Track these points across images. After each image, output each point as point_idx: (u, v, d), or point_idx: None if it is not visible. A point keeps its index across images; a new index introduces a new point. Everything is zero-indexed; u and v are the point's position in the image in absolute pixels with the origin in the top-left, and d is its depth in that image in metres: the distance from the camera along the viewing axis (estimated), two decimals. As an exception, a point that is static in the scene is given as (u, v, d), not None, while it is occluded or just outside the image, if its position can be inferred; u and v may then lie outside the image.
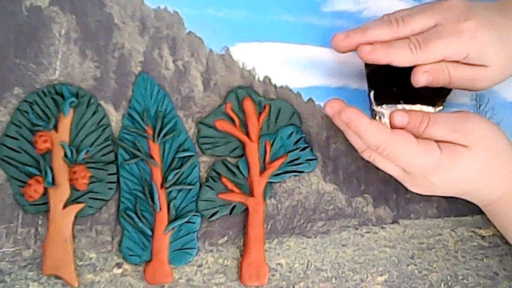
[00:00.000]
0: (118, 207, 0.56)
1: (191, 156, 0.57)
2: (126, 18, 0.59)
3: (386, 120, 0.56)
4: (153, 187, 0.56)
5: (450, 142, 0.50)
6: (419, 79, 0.52)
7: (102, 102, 0.58)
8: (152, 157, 0.56)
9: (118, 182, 0.56)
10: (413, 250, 0.58)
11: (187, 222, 0.56)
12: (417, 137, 0.50)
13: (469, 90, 0.55)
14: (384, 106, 0.56)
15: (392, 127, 0.51)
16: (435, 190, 0.53)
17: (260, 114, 0.58)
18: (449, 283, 0.58)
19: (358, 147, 0.54)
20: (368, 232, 0.58)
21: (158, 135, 0.57)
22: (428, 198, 0.58)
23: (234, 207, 0.57)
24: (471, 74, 0.53)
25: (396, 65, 0.52)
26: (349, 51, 0.54)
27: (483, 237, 0.59)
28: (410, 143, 0.50)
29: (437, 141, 0.51)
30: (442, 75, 0.53)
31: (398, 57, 0.52)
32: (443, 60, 0.52)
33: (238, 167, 0.57)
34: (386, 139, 0.49)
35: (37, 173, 0.55)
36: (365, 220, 0.58)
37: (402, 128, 0.51)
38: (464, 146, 0.50)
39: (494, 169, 0.52)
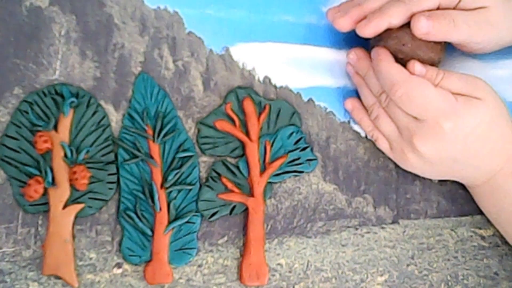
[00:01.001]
0: (118, 207, 0.56)
1: (191, 156, 0.57)
2: (126, 18, 0.59)
3: None
4: (153, 187, 0.56)
5: (464, 95, 0.51)
6: (420, 25, 0.51)
7: (102, 102, 0.58)
8: (152, 157, 0.56)
9: (118, 182, 0.56)
10: (413, 250, 0.58)
11: (187, 222, 0.56)
12: None
13: (478, 50, 0.55)
14: None
15: (413, 28, 0.51)
16: (443, 146, 0.51)
17: (260, 114, 0.58)
18: (449, 283, 0.58)
19: (368, 100, 0.56)
20: (368, 232, 0.58)
21: (158, 135, 0.57)
22: (428, 198, 0.58)
23: (234, 207, 0.57)
24: (473, 17, 0.52)
25: (395, 25, 0.52)
26: (352, 29, 0.55)
27: (483, 237, 0.59)
28: (427, 86, 0.51)
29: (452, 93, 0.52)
30: (444, 20, 0.51)
31: (394, 15, 0.52)
32: (438, 8, 0.52)
33: (238, 167, 0.57)
34: (405, 78, 0.51)
35: (37, 173, 0.55)
36: (365, 220, 0.58)
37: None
38: (477, 98, 0.51)
39: (501, 128, 0.52)
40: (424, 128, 0.51)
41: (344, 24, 0.54)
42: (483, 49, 0.55)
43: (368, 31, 0.52)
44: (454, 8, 0.52)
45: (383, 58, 0.53)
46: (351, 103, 0.58)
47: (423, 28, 0.51)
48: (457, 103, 0.51)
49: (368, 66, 0.55)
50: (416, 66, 0.52)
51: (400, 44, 0.53)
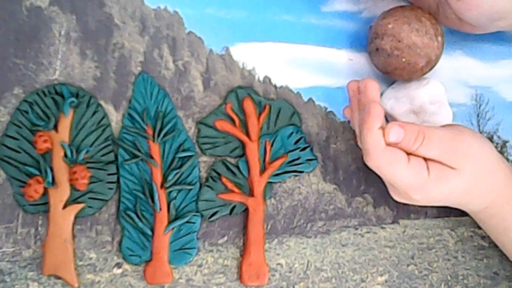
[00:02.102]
0: (118, 207, 0.56)
1: (191, 156, 0.57)
2: (126, 18, 0.59)
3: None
4: (153, 187, 0.56)
5: (440, 163, 0.50)
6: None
7: (102, 102, 0.58)
8: (152, 157, 0.56)
9: (118, 182, 0.56)
10: (413, 250, 0.58)
11: (187, 222, 0.56)
12: (409, 153, 0.50)
13: (473, 23, 0.53)
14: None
15: (386, 142, 0.49)
16: (417, 204, 0.53)
17: (260, 114, 0.58)
18: (449, 283, 0.58)
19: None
20: (368, 232, 0.58)
21: (158, 135, 0.57)
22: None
23: (234, 207, 0.57)
24: None
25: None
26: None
27: (483, 237, 0.59)
28: (399, 163, 0.49)
29: (427, 159, 0.50)
30: None
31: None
32: None
33: (238, 167, 0.57)
34: (378, 152, 0.49)
35: (37, 173, 0.55)
36: (365, 220, 0.58)
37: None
38: (453, 168, 0.50)
39: (480, 187, 0.52)
40: (397, 191, 0.52)
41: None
42: (479, 9, 0.52)
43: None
44: None
45: (367, 122, 0.49)
46: (351, 88, 0.56)
47: None
48: (428, 179, 0.49)
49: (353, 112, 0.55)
50: (391, 135, 0.49)
51: (396, 40, 0.53)
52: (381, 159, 0.49)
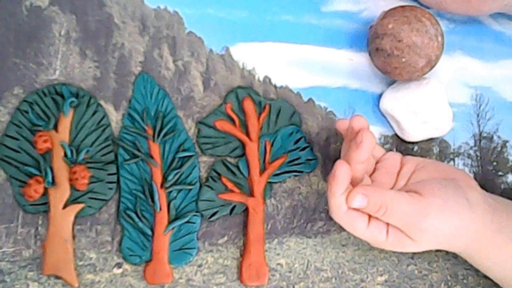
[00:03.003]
0: (118, 207, 0.56)
1: (191, 156, 0.57)
2: (126, 18, 0.59)
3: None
4: (153, 187, 0.56)
5: (400, 230, 0.50)
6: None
7: (102, 102, 0.58)
8: (152, 157, 0.56)
9: (118, 182, 0.56)
10: (413, 250, 0.58)
11: (187, 222, 0.56)
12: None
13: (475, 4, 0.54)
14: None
15: (346, 202, 0.49)
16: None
17: (260, 114, 0.58)
18: (449, 283, 0.58)
19: None
20: (368, 232, 0.58)
21: (158, 135, 0.57)
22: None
23: (234, 207, 0.57)
24: None
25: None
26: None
27: (483, 237, 0.58)
28: (358, 227, 0.50)
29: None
30: None
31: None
32: None
33: (238, 167, 0.57)
34: (339, 216, 0.50)
35: (37, 173, 0.55)
36: (365, 220, 0.58)
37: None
38: (411, 239, 0.50)
39: (444, 246, 0.53)
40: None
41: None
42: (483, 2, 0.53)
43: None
44: None
45: (331, 186, 0.49)
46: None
47: None
48: (386, 242, 0.50)
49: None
50: (354, 202, 0.48)
51: (396, 40, 0.53)
52: (341, 220, 0.50)
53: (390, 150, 0.59)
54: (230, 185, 0.57)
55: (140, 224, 0.55)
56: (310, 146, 0.58)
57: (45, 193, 0.55)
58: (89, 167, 0.56)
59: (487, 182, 0.60)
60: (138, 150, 0.56)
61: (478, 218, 0.51)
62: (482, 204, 0.51)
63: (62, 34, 0.58)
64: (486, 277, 0.57)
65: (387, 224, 0.50)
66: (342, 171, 0.48)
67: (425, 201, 0.49)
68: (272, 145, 0.58)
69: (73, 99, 0.56)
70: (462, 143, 0.61)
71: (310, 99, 0.60)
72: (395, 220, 0.49)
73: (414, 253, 0.58)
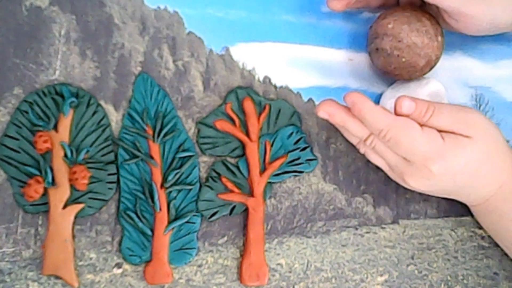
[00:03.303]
0: (118, 207, 0.56)
1: (191, 156, 0.57)
2: (126, 18, 0.59)
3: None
4: (153, 187, 0.56)
5: (453, 133, 0.51)
6: None
7: (102, 102, 0.58)
8: (152, 157, 0.56)
9: (118, 182, 0.56)
10: (413, 250, 0.58)
11: (187, 222, 0.56)
12: (420, 126, 0.50)
13: (473, 27, 0.54)
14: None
15: (398, 114, 0.50)
16: (433, 183, 0.52)
17: (260, 114, 0.58)
18: (449, 283, 0.58)
19: (353, 140, 0.55)
20: (368, 232, 0.58)
21: (158, 135, 0.57)
22: (428, 198, 0.58)
23: (234, 207, 0.57)
24: None
25: None
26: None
27: (483, 237, 0.59)
28: (413, 129, 0.50)
29: (440, 131, 0.51)
30: None
31: None
32: None
33: (238, 167, 0.57)
34: (390, 122, 0.49)
35: (37, 173, 0.55)
36: (365, 220, 0.58)
37: (407, 116, 0.50)
38: (466, 137, 0.50)
39: (492, 163, 0.52)
40: (413, 168, 0.52)
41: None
42: (478, 26, 0.54)
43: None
44: None
45: (363, 106, 0.50)
46: (326, 111, 0.52)
47: None
48: (444, 145, 0.50)
49: (345, 118, 0.52)
50: (404, 103, 0.50)
51: (396, 40, 0.53)
52: (395, 126, 0.49)
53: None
54: (230, 185, 0.57)
55: (140, 224, 0.55)
56: (310, 146, 0.58)
57: (45, 193, 0.55)
58: (89, 167, 0.56)
59: (487, 182, 0.60)
60: (138, 150, 0.56)
61: (510, 151, 0.53)
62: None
63: (62, 34, 0.58)
64: (486, 277, 0.57)
65: (439, 131, 0.50)
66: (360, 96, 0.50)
67: (464, 106, 0.53)
68: (272, 145, 0.58)
69: (73, 99, 0.56)
70: (462, 143, 0.60)
71: (310, 99, 0.60)
72: (445, 117, 0.50)
73: (414, 253, 0.58)
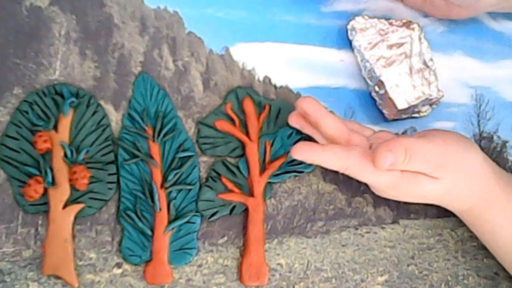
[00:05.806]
0: (118, 207, 0.56)
1: (191, 156, 0.57)
2: (126, 18, 0.59)
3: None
4: (153, 187, 0.56)
5: (422, 174, 0.49)
6: None
7: (102, 102, 0.58)
8: (152, 157, 0.56)
9: (118, 182, 0.56)
10: (413, 250, 0.58)
11: (187, 222, 0.56)
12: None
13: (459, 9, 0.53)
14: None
15: (375, 166, 0.47)
16: (397, 198, 0.53)
17: (260, 114, 0.58)
18: (450, 283, 0.58)
19: None
20: (368, 232, 0.58)
21: (158, 135, 0.57)
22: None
23: (234, 207, 0.57)
24: None
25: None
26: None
27: (483, 237, 0.59)
28: (366, 167, 0.48)
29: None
30: None
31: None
32: None
33: (238, 167, 0.57)
34: (343, 163, 0.48)
35: (37, 173, 0.55)
36: (365, 220, 0.58)
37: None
38: (432, 177, 0.49)
39: (458, 191, 0.51)
40: (376, 190, 0.53)
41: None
42: (463, 7, 0.53)
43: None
44: None
45: (313, 152, 0.47)
46: (301, 158, 0.49)
47: None
48: (402, 177, 0.49)
49: (318, 159, 0.48)
50: (379, 160, 0.46)
51: None
52: (349, 165, 0.48)
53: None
54: (230, 185, 0.57)
55: (140, 224, 0.55)
56: (310, 146, 0.58)
57: (45, 193, 0.55)
58: (89, 167, 0.56)
59: (487, 182, 0.60)
60: (138, 150, 0.56)
61: (490, 169, 0.52)
62: (489, 160, 0.53)
63: (62, 34, 0.58)
64: (486, 277, 0.57)
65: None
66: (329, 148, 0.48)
67: (442, 136, 0.50)
68: (272, 145, 0.58)
69: (73, 99, 0.56)
70: (462, 143, 0.60)
71: (310, 99, 0.59)
72: (418, 163, 0.48)
73: (414, 253, 0.58)
